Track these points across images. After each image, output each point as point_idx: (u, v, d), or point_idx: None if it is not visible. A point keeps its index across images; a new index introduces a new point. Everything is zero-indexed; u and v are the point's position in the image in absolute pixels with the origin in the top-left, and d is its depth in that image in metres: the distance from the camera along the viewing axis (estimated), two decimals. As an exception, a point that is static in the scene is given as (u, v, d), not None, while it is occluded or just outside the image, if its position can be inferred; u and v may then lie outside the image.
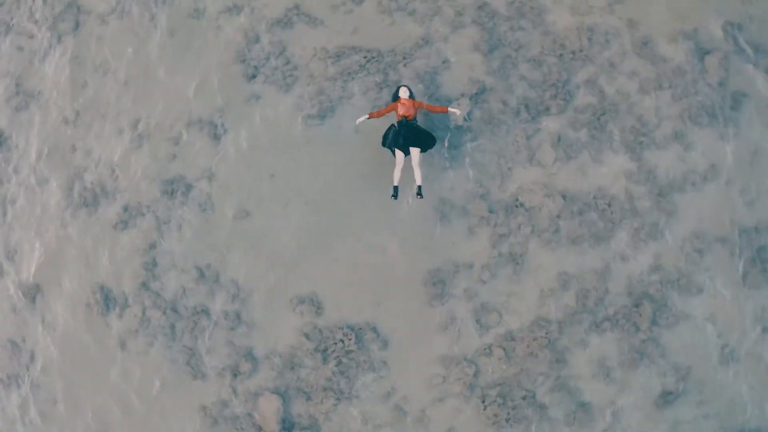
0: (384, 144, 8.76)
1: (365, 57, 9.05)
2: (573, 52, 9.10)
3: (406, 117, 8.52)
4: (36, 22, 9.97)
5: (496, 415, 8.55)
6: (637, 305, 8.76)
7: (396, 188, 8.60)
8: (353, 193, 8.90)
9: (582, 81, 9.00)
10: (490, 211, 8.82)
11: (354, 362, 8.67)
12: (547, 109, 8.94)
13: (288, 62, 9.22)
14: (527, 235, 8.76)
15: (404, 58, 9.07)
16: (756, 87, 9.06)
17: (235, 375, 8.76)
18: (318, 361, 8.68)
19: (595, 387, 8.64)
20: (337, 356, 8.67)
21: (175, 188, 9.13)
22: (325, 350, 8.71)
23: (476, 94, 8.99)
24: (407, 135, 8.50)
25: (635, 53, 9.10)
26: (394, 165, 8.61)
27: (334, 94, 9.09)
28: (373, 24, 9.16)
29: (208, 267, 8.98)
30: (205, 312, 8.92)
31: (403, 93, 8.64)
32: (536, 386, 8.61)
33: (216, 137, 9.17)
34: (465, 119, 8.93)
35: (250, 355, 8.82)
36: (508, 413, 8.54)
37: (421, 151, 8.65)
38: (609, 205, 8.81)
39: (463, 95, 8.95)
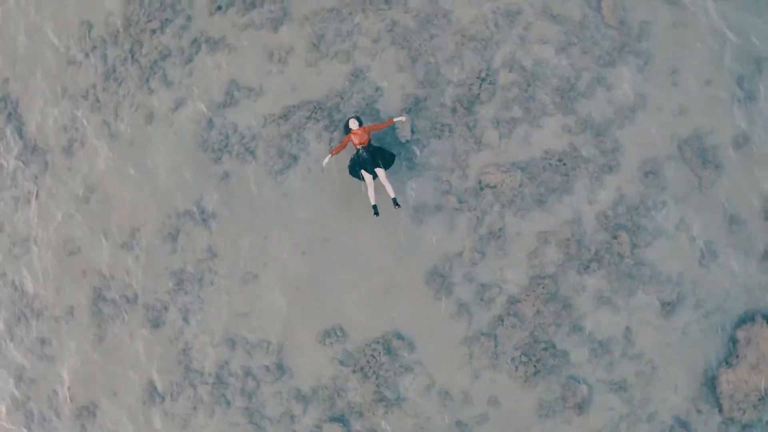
0: (352, 173, 9.66)
1: (309, 109, 9.98)
2: (484, 40, 10.04)
3: (362, 144, 9.42)
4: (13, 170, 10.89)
5: (526, 373, 9.49)
6: (614, 237, 9.71)
7: (375, 206, 9.50)
8: (339, 226, 9.82)
9: (501, 63, 9.94)
10: (460, 201, 9.75)
11: (390, 371, 9.60)
12: (478, 97, 9.88)
13: (244, 136, 10.15)
14: (499, 210, 9.71)
15: (342, 98, 9.99)
16: (657, 12, 9.96)
17: (292, 418, 9.69)
18: (359, 381, 9.61)
19: (603, 320, 9.58)
20: (374, 370, 9.60)
21: (183, 276, 10.05)
22: (362, 369, 9.64)
23: (414, 107, 9.93)
24: (369, 159, 9.37)
25: (539, 21, 10.04)
26: (364, 188, 9.56)
27: (293, 148, 10.02)
28: (305, 78, 10.09)
29: (236, 334, 9.90)
30: (248, 373, 9.84)
31: (353, 124, 9.50)
32: (552, 336, 9.56)
33: (204, 222, 10.09)
34: (412, 131, 9.86)
35: (299, 396, 9.74)
36: (536, 367, 9.49)
37: (386, 169, 9.56)
38: (560, 161, 9.75)
39: (402, 111, 9.89)
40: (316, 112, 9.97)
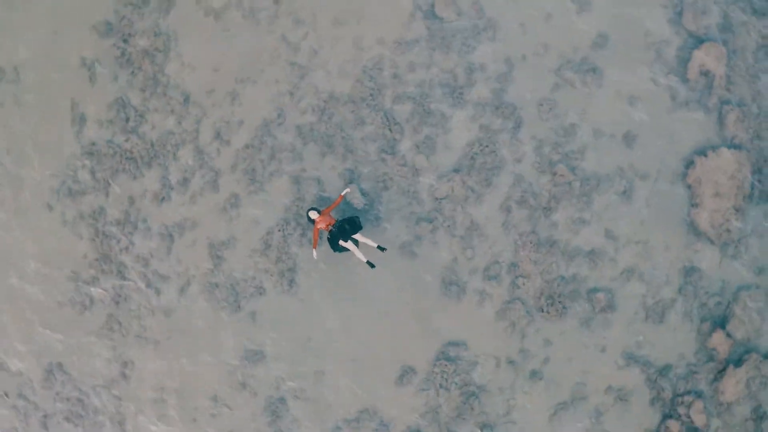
0: (336, 250, 11.24)
1: (279, 228, 11.64)
2: (371, 96, 11.71)
3: (330, 225, 10.98)
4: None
5: (557, 310, 11.30)
6: (554, 173, 11.47)
7: (368, 262, 11.17)
8: (353, 302, 11.47)
9: (390, 103, 11.63)
10: (430, 222, 11.49)
11: (461, 373, 11.39)
12: (393, 139, 11.58)
13: (246, 278, 11.74)
14: (461, 210, 11.46)
15: (297, 205, 11.64)
16: None
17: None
18: (443, 395, 11.40)
19: (585, 236, 11.38)
20: (449, 380, 11.40)
21: (277, 407, 11.74)
22: (440, 385, 11.43)
23: (351, 177, 11.62)
24: (342, 233, 10.87)
25: (397, 57, 11.71)
26: (354, 256, 11.22)
27: (287, 263, 11.70)
28: (262, 206, 11.76)
29: (339, 419, 11.60)
30: (352, 427, 11.51)
31: (313, 215, 10.96)
32: (557, 272, 11.36)
33: (264, 356, 11.74)
34: (362, 195, 11.55)
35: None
36: (561, 302, 11.30)
37: (360, 231, 11.20)
38: (481, 145, 11.49)
39: (346, 185, 11.56)
40: (286, 228, 11.65)
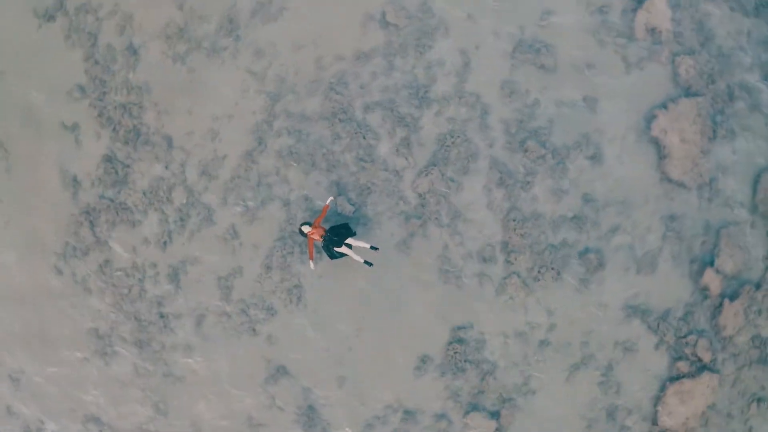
0: (333, 257, 11.78)
1: (278, 248, 12.20)
2: (342, 111, 12.28)
3: (322, 236, 11.47)
4: None
5: (552, 277, 11.90)
6: (525, 150, 12.07)
7: (366, 262, 11.73)
8: (361, 305, 12.06)
9: (362, 113, 12.22)
10: (418, 218, 12.08)
11: (472, 352, 11.95)
12: (369, 145, 12.16)
13: (256, 302, 12.25)
14: (445, 201, 12.05)
15: (290, 223, 12.22)
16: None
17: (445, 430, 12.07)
18: (461, 377, 11.97)
19: (566, 204, 11.98)
20: (463, 361, 11.97)
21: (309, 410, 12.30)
22: (456, 367, 11.98)
23: (337, 188, 12.19)
24: (336, 239, 11.43)
25: (352, 68, 12.30)
26: (352, 261, 11.76)
27: (292, 281, 12.26)
28: (259, 233, 12.31)
29: (371, 416, 12.14)
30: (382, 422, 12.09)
31: (305, 229, 11.48)
32: (546, 241, 11.97)
33: (296, 378, 12.30)
34: (350, 204, 12.12)
35: (438, 416, 12.06)
36: (554, 269, 11.91)
37: (351, 237, 11.74)
38: (452, 137, 12.09)
39: (329, 195, 12.13)
40: (285, 247, 12.22)
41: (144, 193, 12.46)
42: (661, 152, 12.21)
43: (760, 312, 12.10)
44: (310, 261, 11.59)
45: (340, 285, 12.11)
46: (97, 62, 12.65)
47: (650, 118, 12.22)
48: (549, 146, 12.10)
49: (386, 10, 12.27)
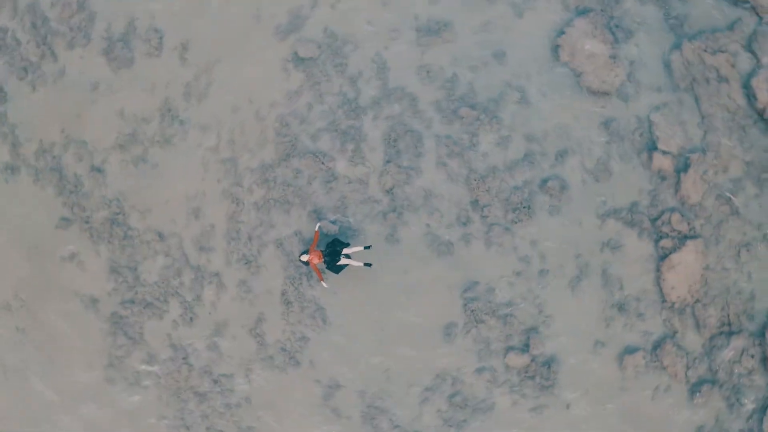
0: (337, 271, 13.02)
1: (290, 281, 13.47)
2: (289, 136, 13.57)
3: (320, 258, 12.69)
4: None
5: (526, 214, 13.26)
6: (461, 118, 13.34)
7: (365, 264, 12.98)
8: (378, 303, 13.33)
9: (326, 147, 13.50)
10: (393, 212, 13.38)
11: (490, 303, 13.26)
12: (332, 169, 13.46)
13: (285, 339, 13.54)
14: (410, 189, 13.37)
15: (290, 259, 13.51)
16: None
17: (494, 372, 13.36)
18: (484, 329, 13.25)
19: (519, 147, 13.28)
20: (485, 312, 13.27)
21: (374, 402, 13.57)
22: (478, 323, 13.28)
23: (320, 217, 13.48)
24: (335, 253, 12.69)
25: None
26: (355, 268, 13.05)
27: (312, 308, 13.53)
28: (267, 282, 13.59)
29: (428, 388, 13.40)
30: (434, 392, 13.39)
31: (305, 257, 12.71)
32: (511, 184, 13.29)
33: (339, 414, 13.45)
34: (333, 223, 13.41)
35: (484, 370, 13.35)
36: (524, 206, 13.27)
37: (346, 246, 13.01)
38: (396, 131, 13.38)
39: (317, 223, 13.42)
40: (294, 281, 13.50)
41: (157, 285, 13.72)
42: (576, 72, 13.52)
43: (715, 172, 13.43)
44: (322, 282, 12.87)
45: (352, 293, 13.41)
46: (70, 192, 13.88)
47: (555, 48, 13.54)
48: (479, 107, 13.43)
49: (297, 49, 13.56)
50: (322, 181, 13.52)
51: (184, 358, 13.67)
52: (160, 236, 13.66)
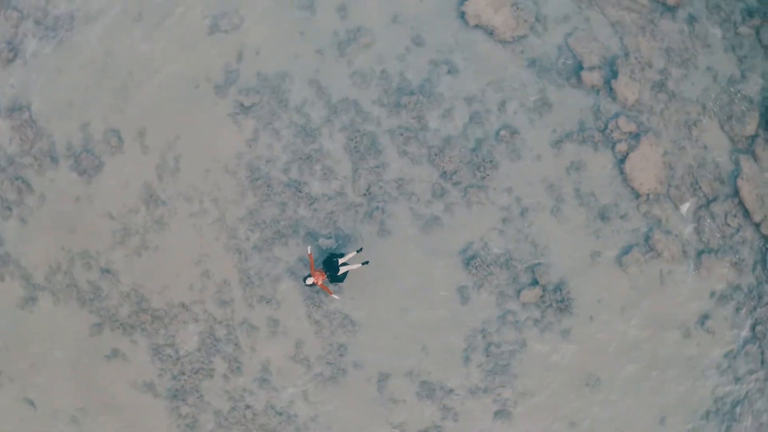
0: (343, 280, 14.02)
1: (316, 308, 14.64)
2: (268, 186, 14.71)
3: (322, 275, 13.68)
4: None
5: (491, 167, 14.40)
6: (405, 106, 14.51)
7: (363, 263, 14.07)
8: (394, 292, 14.48)
9: (297, 176, 14.63)
10: (377, 209, 14.52)
11: (486, 257, 14.43)
12: (310, 193, 14.61)
13: (334, 356, 14.69)
14: (383, 184, 14.50)
15: (304, 287, 14.64)
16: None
17: (513, 321, 14.54)
18: (492, 279, 14.42)
19: (462, 113, 14.45)
20: (486, 266, 14.45)
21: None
22: (486, 276, 14.46)
23: (315, 239, 14.62)
24: (333, 267, 13.67)
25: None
26: (356, 271, 14.16)
27: (338, 320, 14.70)
28: (286, 318, 14.76)
29: (469, 348, 14.61)
30: (474, 353, 14.56)
31: (310, 281, 13.43)
32: (468, 146, 14.44)
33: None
34: (328, 239, 14.56)
35: (507, 313, 14.52)
36: (487, 160, 14.42)
37: (341, 256, 14.10)
38: (353, 139, 14.52)
39: (308, 248, 14.56)
40: (314, 302, 14.64)
41: (198, 351, 14.84)
42: (487, 30, 14.69)
43: (642, 68, 14.61)
44: (333, 296, 14.02)
45: (367, 291, 14.54)
46: (91, 299, 14.98)
47: (463, 15, 14.71)
48: (416, 90, 14.59)
49: (240, 100, 14.68)
50: (305, 206, 14.67)
51: (246, 406, 14.79)
52: (184, 307, 14.78)
